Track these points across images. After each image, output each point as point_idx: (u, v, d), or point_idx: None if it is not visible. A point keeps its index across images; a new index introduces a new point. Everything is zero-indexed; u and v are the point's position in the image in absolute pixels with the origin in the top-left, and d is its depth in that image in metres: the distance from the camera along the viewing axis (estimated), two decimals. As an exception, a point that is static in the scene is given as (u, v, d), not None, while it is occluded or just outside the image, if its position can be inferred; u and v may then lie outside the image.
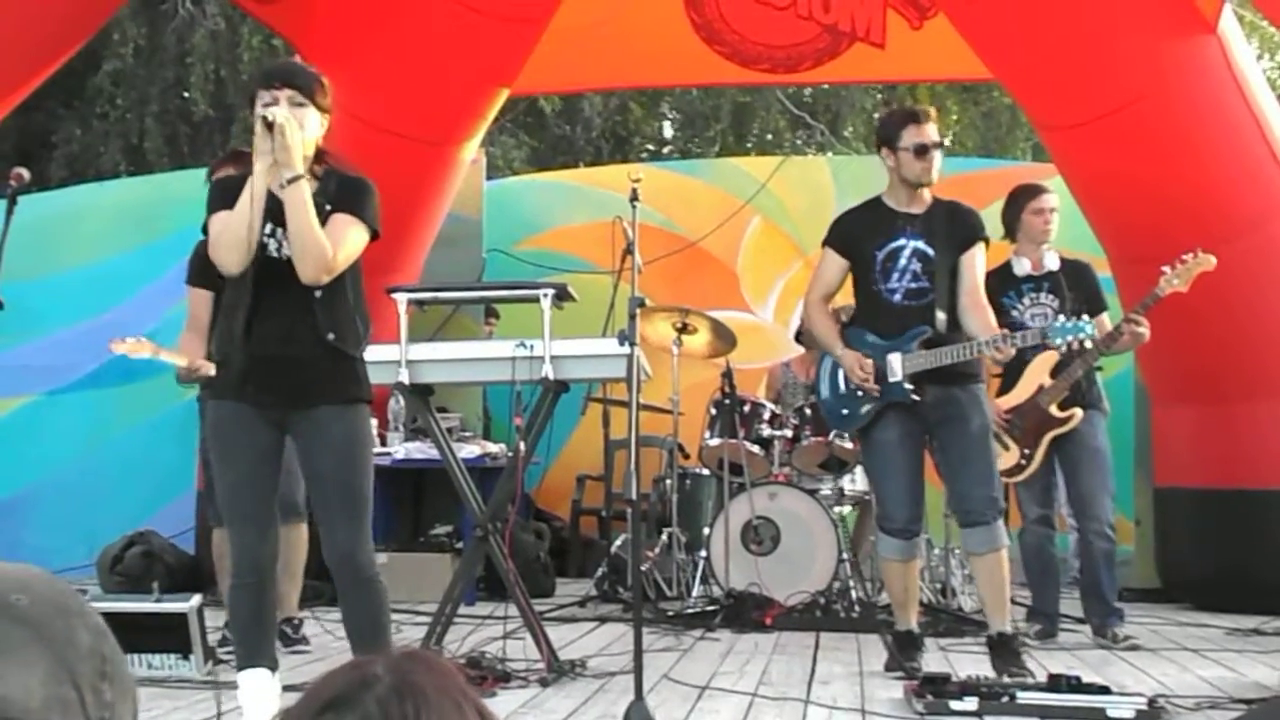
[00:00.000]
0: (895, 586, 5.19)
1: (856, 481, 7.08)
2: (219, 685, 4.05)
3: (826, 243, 5.10)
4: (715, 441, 6.99)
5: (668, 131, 18.34)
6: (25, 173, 4.46)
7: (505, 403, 5.36)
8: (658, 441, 7.55)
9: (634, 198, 4.53)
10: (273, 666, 3.96)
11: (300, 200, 3.68)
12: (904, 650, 5.01)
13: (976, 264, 4.90)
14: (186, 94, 14.39)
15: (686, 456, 7.57)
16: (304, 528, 5.61)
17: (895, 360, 4.84)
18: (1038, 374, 5.81)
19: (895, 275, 4.89)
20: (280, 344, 3.75)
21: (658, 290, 7.66)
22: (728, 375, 7.02)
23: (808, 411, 6.97)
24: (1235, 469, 6.93)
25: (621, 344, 4.36)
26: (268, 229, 3.78)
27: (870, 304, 4.98)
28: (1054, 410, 5.80)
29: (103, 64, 14.54)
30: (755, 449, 6.93)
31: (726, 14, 8.64)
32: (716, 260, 9.51)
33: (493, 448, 7.75)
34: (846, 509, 7.30)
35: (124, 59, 14.44)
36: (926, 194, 4.97)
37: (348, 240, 3.78)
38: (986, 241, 4.98)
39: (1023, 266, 5.88)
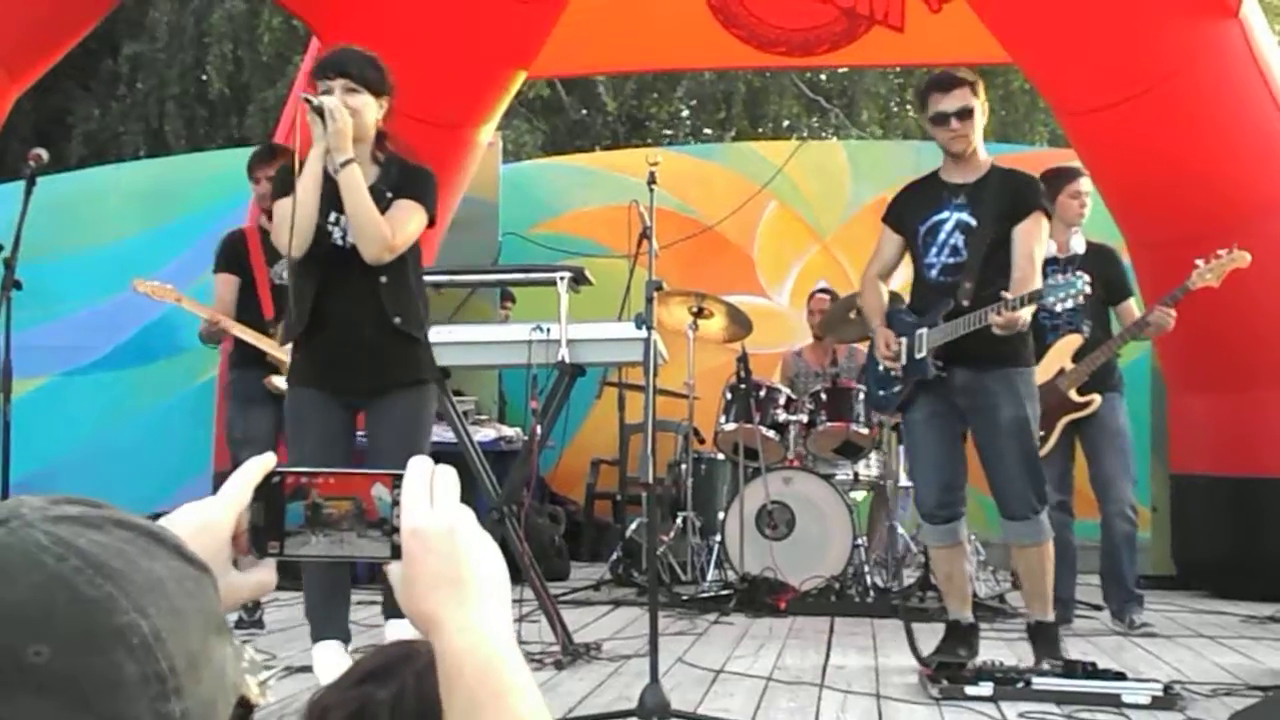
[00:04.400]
0: (938, 573, 5.10)
1: (872, 467, 7.07)
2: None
3: (883, 219, 4.96)
4: (730, 426, 6.98)
5: (684, 116, 18.30)
6: (44, 153, 4.48)
7: (521, 386, 5.37)
8: (673, 426, 7.54)
9: (651, 181, 4.50)
10: (345, 639, 4.09)
11: (354, 183, 3.85)
12: (948, 640, 4.85)
13: (1030, 237, 4.61)
14: (204, 76, 14.41)
15: (701, 441, 7.56)
16: None
17: (921, 336, 4.69)
18: (1059, 357, 5.80)
19: (934, 250, 4.71)
20: (349, 329, 3.91)
21: (673, 274, 7.64)
22: (743, 360, 7.00)
23: (823, 396, 6.96)
24: (1252, 456, 6.90)
25: (638, 328, 4.35)
26: (331, 218, 3.94)
27: (915, 280, 4.84)
28: (1073, 395, 5.80)
29: (122, 47, 14.57)
30: (770, 434, 6.92)
31: (744, -3, 8.61)
32: (732, 245, 9.50)
33: (508, 431, 7.76)
34: (861, 494, 7.29)
35: (150, 40, 14.48)
36: (984, 161, 4.76)
37: (408, 223, 3.98)
38: (1047, 213, 4.70)
39: (1049, 249, 5.85)
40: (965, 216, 4.67)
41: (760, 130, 16.77)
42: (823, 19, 8.56)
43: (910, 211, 4.83)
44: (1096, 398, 5.82)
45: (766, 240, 9.60)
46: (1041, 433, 5.77)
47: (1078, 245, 5.87)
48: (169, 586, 0.79)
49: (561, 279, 5.00)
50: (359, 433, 4.25)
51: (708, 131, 17.44)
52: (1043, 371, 5.80)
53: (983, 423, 4.70)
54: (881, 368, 4.90)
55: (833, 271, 9.32)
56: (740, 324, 7.16)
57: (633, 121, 17.25)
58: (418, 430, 4.04)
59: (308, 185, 3.85)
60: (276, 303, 5.62)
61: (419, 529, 1.02)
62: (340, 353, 3.92)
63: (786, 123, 17.01)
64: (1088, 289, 4.39)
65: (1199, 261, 5.34)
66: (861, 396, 6.94)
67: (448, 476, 1.06)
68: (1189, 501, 7.40)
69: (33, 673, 0.72)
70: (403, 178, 4.05)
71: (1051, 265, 5.82)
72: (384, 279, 3.96)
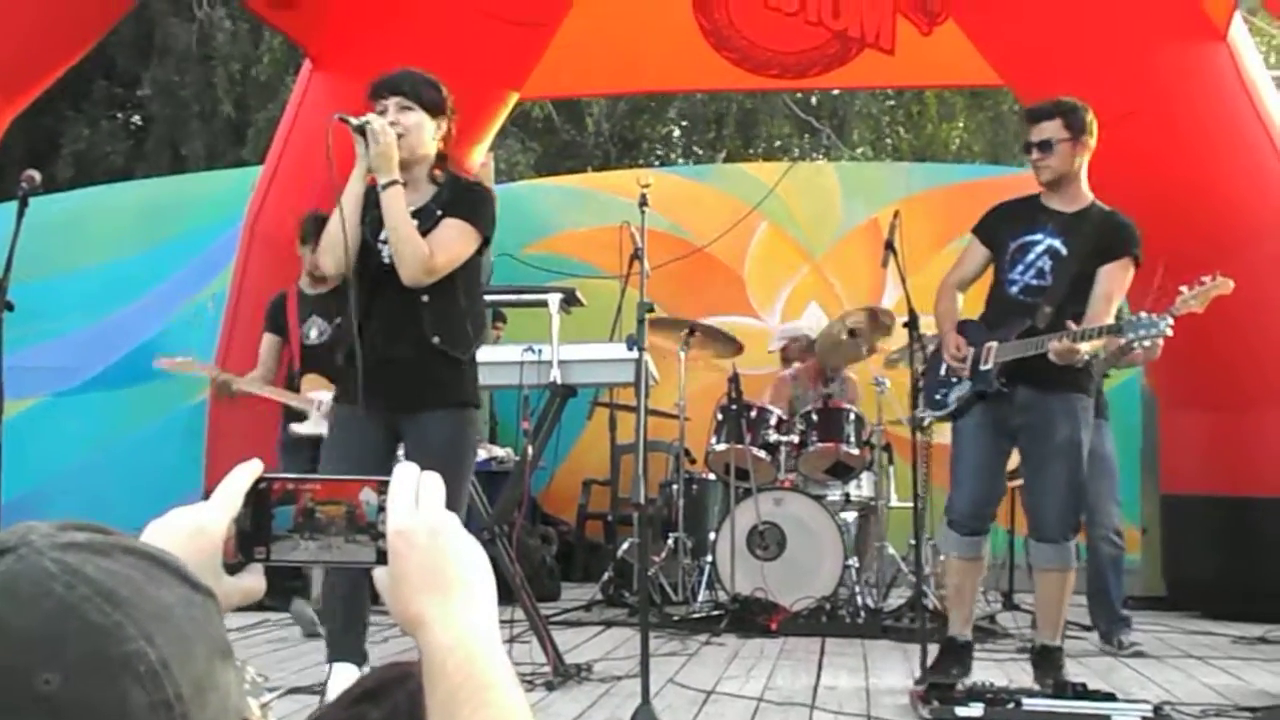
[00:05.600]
0: (949, 584, 5.09)
1: (863, 487, 7.08)
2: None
3: (973, 230, 4.98)
4: (721, 446, 6.99)
5: (675, 136, 18.37)
6: (36, 175, 4.49)
7: (513, 407, 5.39)
8: (664, 446, 7.55)
9: (643, 203, 4.53)
10: (360, 661, 4.05)
11: (394, 203, 3.81)
12: (942, 659, 4.82)
13: (1113, 280, 4.65)
14: (204, 99, 14.45)
15: (693, 461, 7.57)
16: None
17: (990, 349, 4.71)
18: None
19: (1020, 268, 4.74)
20: (387, 347, 3.88)
21: (664, 295, 7.67)
22: (734, 380, 7.02)
23: (814, 417, 6.98)
24: (1243, 476, 6.92)
25: (630, 349, 4.36)
26: (383, 236, 3.91)
27: (992, 294, 4.88)
28: None
29: (141, 71, 14.67)
30: (761, 454, 6.93)
31: (736, 20, 8.66)
32: (723, 265, 9.52)
33: (499, 452, 7.76)
34: (852, 515, 7.29)
35: (160, 64, 14.54)
36: (1085, 195, 4.80)
37: (452, 243, 3.91)
38: (1137, 261, 4.71)
39: None
40: (1057, 244, 4.71)
41: (752, 151, 16.84)
42: (814, 41, 8.60)
43: (1005, 226, 4.86)
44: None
45: (757, 261, 9.62)
46: None
47: None
48: (176, 613, 0.80)
49: (553, 300, 5.02)
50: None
51: (699, 152, 17.50)
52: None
53: (1035, 440, 4.70)
54: (944, 370, 4.91)
55: (823, 292, 9.35)
56: (729, 346, 7.21)
57: (624, 142, 17.30)
58: (456, 455, 3.91)
59: (345, 206, 3.83)
60: (303, 359, 6.03)
61: (403, 529, 1.05)
62: (376, 370, 3.86)
63: (778, 143, 17.07)
64: (1169, 331, 4.41)
65: (1183, 288, 5.38)
66: (853, 417, 6.96)
67: (433, 481, 1.09)
68: (1179, 522, 7.41)
69: (43, 700, 0.73)
70: (454, 197, 4.01)
71: None
72: (426, 298, 3.91)
